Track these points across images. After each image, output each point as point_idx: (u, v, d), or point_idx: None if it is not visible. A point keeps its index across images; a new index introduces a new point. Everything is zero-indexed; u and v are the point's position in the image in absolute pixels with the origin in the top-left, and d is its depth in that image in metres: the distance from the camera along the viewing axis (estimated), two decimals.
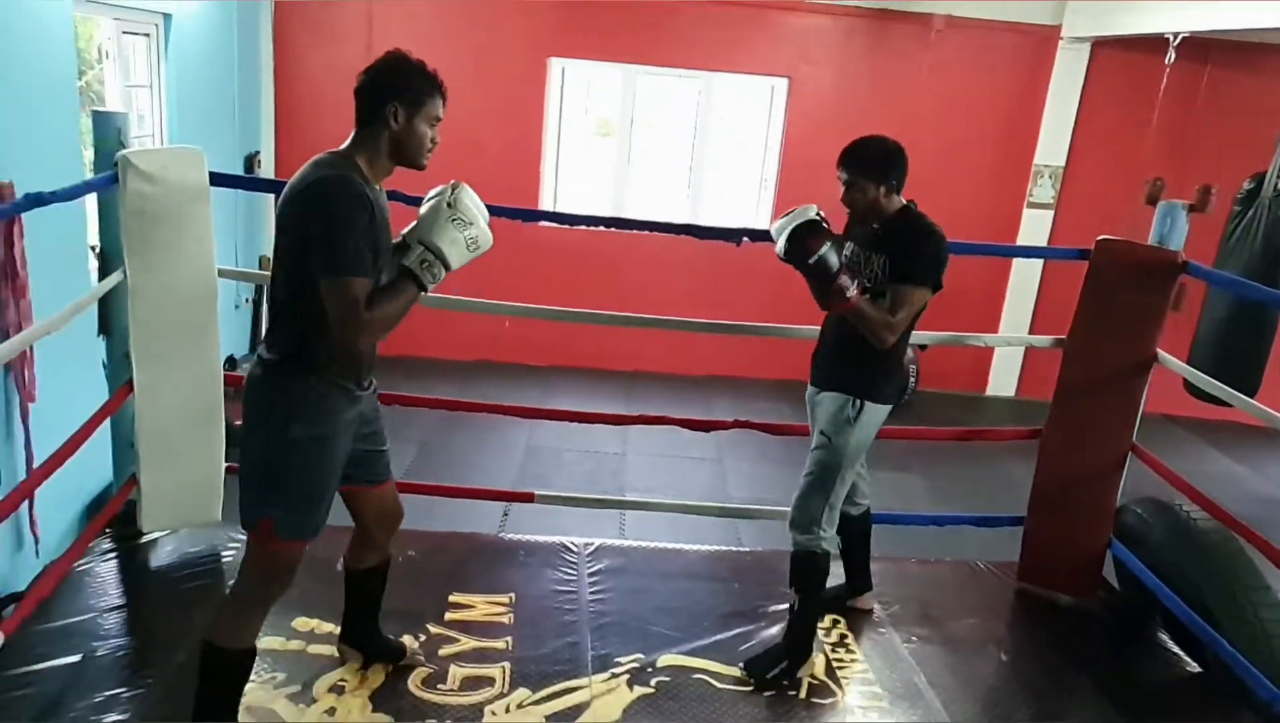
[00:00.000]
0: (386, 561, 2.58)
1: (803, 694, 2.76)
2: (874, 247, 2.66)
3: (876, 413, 2.73)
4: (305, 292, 2.00)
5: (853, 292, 2.54)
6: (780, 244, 2.58)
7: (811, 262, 2.51)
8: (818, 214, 2.58)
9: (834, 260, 2.53)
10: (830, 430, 2.72)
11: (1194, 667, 3.10)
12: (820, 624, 3.07)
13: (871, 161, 2.61)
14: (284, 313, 2.09)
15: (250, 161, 6.31)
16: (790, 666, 2.79)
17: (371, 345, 2.10)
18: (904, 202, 2.68)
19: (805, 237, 2.53)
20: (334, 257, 1.94)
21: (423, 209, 2.13)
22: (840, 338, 2.73)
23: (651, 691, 2.69)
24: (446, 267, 2.05)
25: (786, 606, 2.88)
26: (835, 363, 2.77)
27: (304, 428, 2.07)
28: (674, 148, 7.47)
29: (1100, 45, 6.86)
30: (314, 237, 1.96)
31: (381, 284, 2.05)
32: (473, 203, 2.09)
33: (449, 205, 2.05)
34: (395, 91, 2.03)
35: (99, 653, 2.60)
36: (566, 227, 6.52)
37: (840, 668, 2.89)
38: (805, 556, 2.76)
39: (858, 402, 2.69)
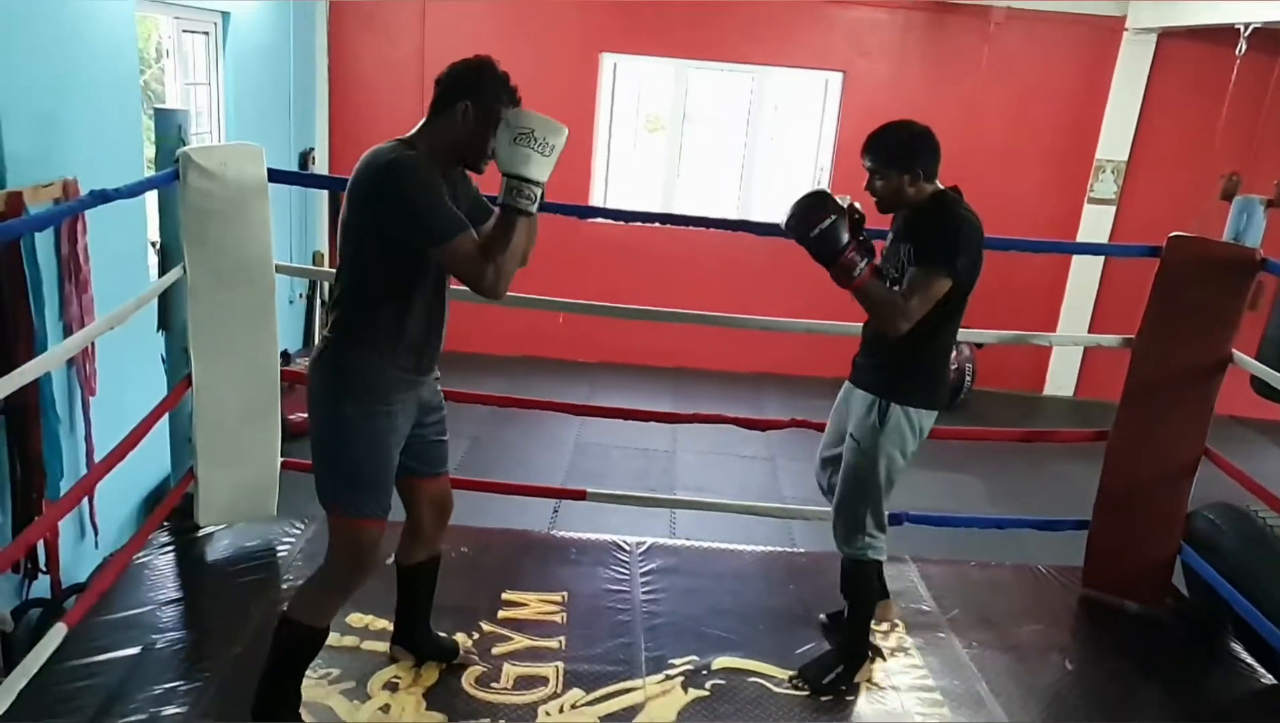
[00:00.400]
0: (437, 557, 2.57)
1: (860, 700, 2.70)
2: (903, 235, 2.55)
3: (909, 417, 2.57)
4: (368, 273, 2.09)
5: (862, 270, 2.39)
6: (784, 216, 2.46)
7: (814, 234, 2.38)
8: (841, 200, 2.45)
9: (842, 236, 2.39)
10: (859, 434, 2.61)
11: (1269, 679, 2.99)
12: (878, 628, 3.02)
13: (894, 149, 2.48)
14: (345, 295, 2.14)
15: (305, 158, 6.38)
16: (845, 672, 2.73)
17: (502, 285, 2.07)
18: (939, 188, 2.53)
19: (810, 209, 2.41)
20: (430, 227, 2.00)
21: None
22: (875, 333, 2.60)
23: (706, 693, 2.65)
24: (534, 182, 2.00)
25: (842, 610, 2.82)
26: (867, 359, 2.67)
27: (356, 405, 2.12)
28: (725, 143, 7.41)
29: (1166, 36, 6.66)
30: (402, 217, 2.01)
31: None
32: (529, 114, 2.03)
33: (506, 128, 2.01)
34: (471, 91, 2.07)
35: (158, 646, 2.63)
36: (617, 222, 6.49)
37: (899, 674, 2.83)
38: (853, 564, 2.68)
39: (885, 403, 2.55)
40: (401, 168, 2.01)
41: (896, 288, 2.44)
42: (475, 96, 2.06)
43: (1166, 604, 3.33)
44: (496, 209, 2.05)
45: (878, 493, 2.61)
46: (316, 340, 2.20)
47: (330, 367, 2.15)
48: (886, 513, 2.68)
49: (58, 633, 2.38)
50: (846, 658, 2.75)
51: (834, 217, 2.39)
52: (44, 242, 3.20)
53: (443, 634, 2.69)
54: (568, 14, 6.74)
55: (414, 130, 2.12)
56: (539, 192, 2.02)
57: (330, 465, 2.17)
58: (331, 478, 2.18)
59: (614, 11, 6.73)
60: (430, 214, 2.00)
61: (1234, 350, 3.13)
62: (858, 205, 2.50)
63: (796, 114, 7.31)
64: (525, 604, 3.00)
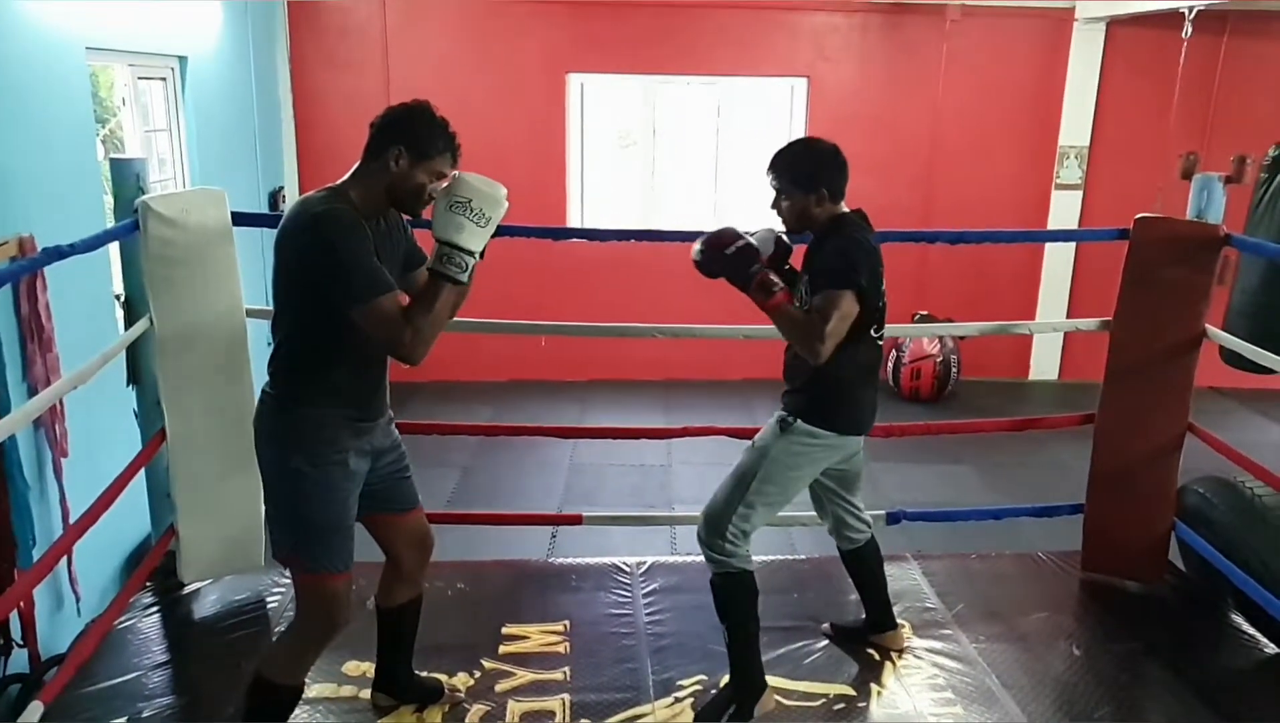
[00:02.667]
0: (419, 597, 2.51)
1: (872, 704, 2.66)
2: (805, 263, 2.48)
3: (812, 435, 2.47)
4: (305, 325, 2.06)
5: (779, 288, 2.30)
6: (696, 246, 2.37)
7: (729, 252, 2.30)
8: (766, 232, 2.44)
9: (754, 258, 2.31)
10: (758, 440, 2.54)
11: (1272, 648, 2.99)
12: (895, 651, 2.96)
13: (797, 168, 2.40)
14: (283, 348, 2.10)
15: (274, 198, 6.31)
16: (740, 707, 2.52)
17: (420, 352, 2.01)
18: (843, 211, 2.44)
19: (720, 236, 2.34)
20: (353, 285, 1.95)
21: None
22: (794, 358, 2.50)
23: None
24: (466, 252, 1.98)
25: (851, 615, 2.78)
26: (788, 386, 2.55)
27: (306, 460, 2.07)
28: (698, 155, 7.44)
29: (1115, 24, 6.77)
30: (325, 273, 1.96)
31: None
32: (469, 182, 2.00)
33: (444, 193, 2.01)
34: (404, 137, 2.02)
35: (145, 715, 2.53)
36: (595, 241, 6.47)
37: (909, 674, 2.79)
38: (719, 578, 2.49)
39: (791, 418, 2.48)
40: (328, 222, 1.95)
41: None
42: (409, 142, 2.02)
43: (1165, 581, 3.33)
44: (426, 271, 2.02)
45: (755, 508, 2.48)
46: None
47: (274, 421, 2.11)
48: (754, 528, 2.52)
49: (34, 712, 2.29)
50: (738, 692, 2.54)
51: (745, 240, 2.34)
52: (2, 301, 3.13)
53: (425, 674, 2.61)
54: (531, 38, 6.75)
55: (347, 175, 2.07)
56: (471, 262, 2.00)
57: (286, 522, 2.12)
58: (289, 534, 2.12)
59: (578, 32, 6.75)
60: (352, 273, 1.94)
61: (1207, 325, 3.16)
62: (785, 236, 2.47)
63: (765, 121, 7.35)
64: (527, 637, 2.93)
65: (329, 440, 2.09)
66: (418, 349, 1.99)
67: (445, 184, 2.04)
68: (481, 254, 2.04)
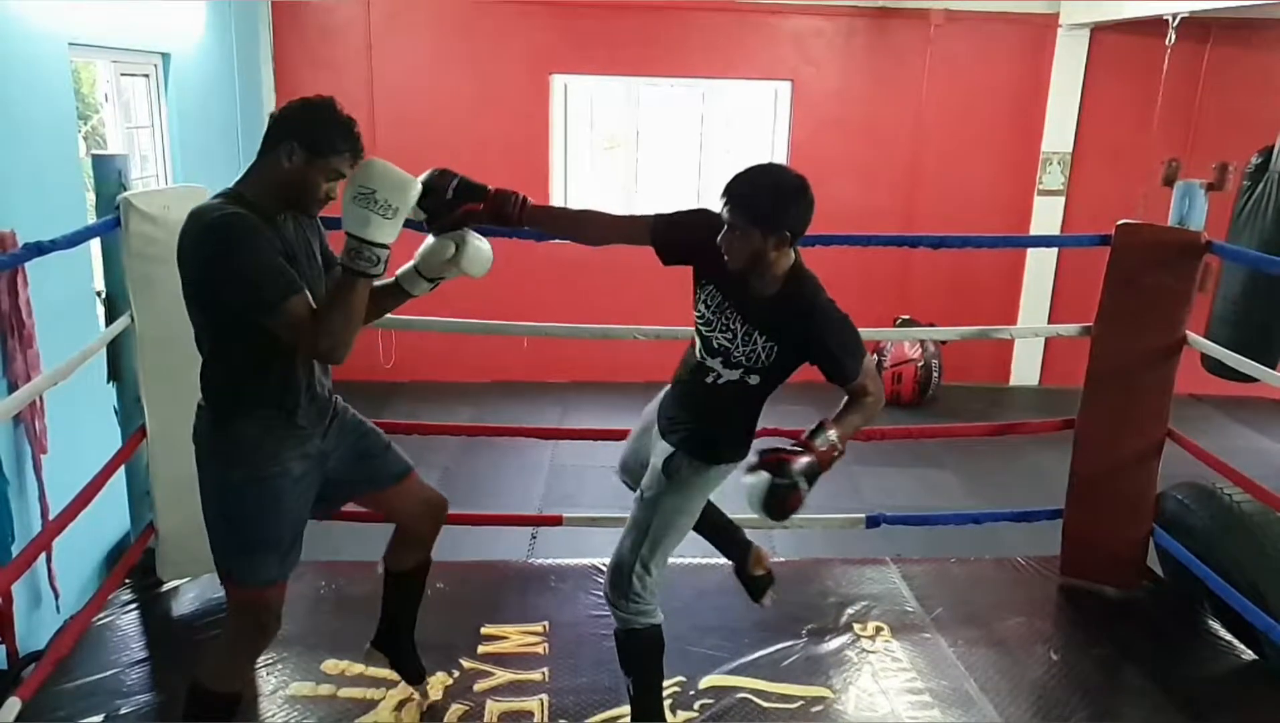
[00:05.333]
0: (427, 562, 2.47)
1: (850, 706, 2.67)
2: (758, 322, 2.13)
3: (701, 475, 2.30)
4: (224, 337, 1.98)
5: (819, 456, 2.04)
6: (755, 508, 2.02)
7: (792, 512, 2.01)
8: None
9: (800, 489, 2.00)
10: (648, 492, 2.31)
11: (1249, 655, 3.01)
12: (863, 632, 3.00)
13: (758, 202, 2.01)
14: (208, 363, 2.03)
15: None
16: None
17: (339, 353, 1.94)
18: (798, 260, 2.13)
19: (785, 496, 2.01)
20: (257, 292, 1.86)
21: None
22: (689, 390, 2.31)
23: (695, 714, 2.61)
24: (375, 244, 1.88)
25: (829, 618, 2.77)
26: (677, 413, 2.34)
27: (244, 472, 2.02)
28: (681, 158, 7.45)
29: (1099, 30, 6.82)
30: (226, 284, 1.88)
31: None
32: (374, 172, 1.90)
33: (350, 184, 1.90)
34: (299, 132, 1.92)
35: (123, 711, 2.53)
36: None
37: (886, 677, 2.81)
38: (624, 634, 2.32)
39: (680, 459, 2.28)
40: (221, 230, 1.86)
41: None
42: (301, 137, 1.91)
43: (1144, 587, 3.35)
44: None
45: (650, 552, 2.30)
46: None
47: (209, 436, 2.04)
48: (658, 579, 2.34)
49: (11, 708, 2.28)
50: None
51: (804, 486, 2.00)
52: None
53: (419, 658, 2.57)
54: (515, 38, 6.73)
55: (242, 173, 1.98)
56: (383, 255, 1.90)
57: (220, 533, 2.06)
58: (223, 546, 2.07)
59: (561, 33, 6.74)
60: (253, 281, 1.85)
61: (1188, 332, 3.18)
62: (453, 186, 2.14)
63: (749, 124, 7.37)
64: (506, 637, 2.93)
65: (270, 453, 2.02)
66: (337, 349, 1.92)
67: (334, 185, 1.95)
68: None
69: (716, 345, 2.18)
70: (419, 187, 1.97)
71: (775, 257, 2.04)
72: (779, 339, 2.12)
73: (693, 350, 2.29)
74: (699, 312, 2.21)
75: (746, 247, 2.02)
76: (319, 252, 2.10)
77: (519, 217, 2.19)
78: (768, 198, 2.02)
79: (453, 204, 2.12)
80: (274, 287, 1.86)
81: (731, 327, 2.16)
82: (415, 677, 2.57)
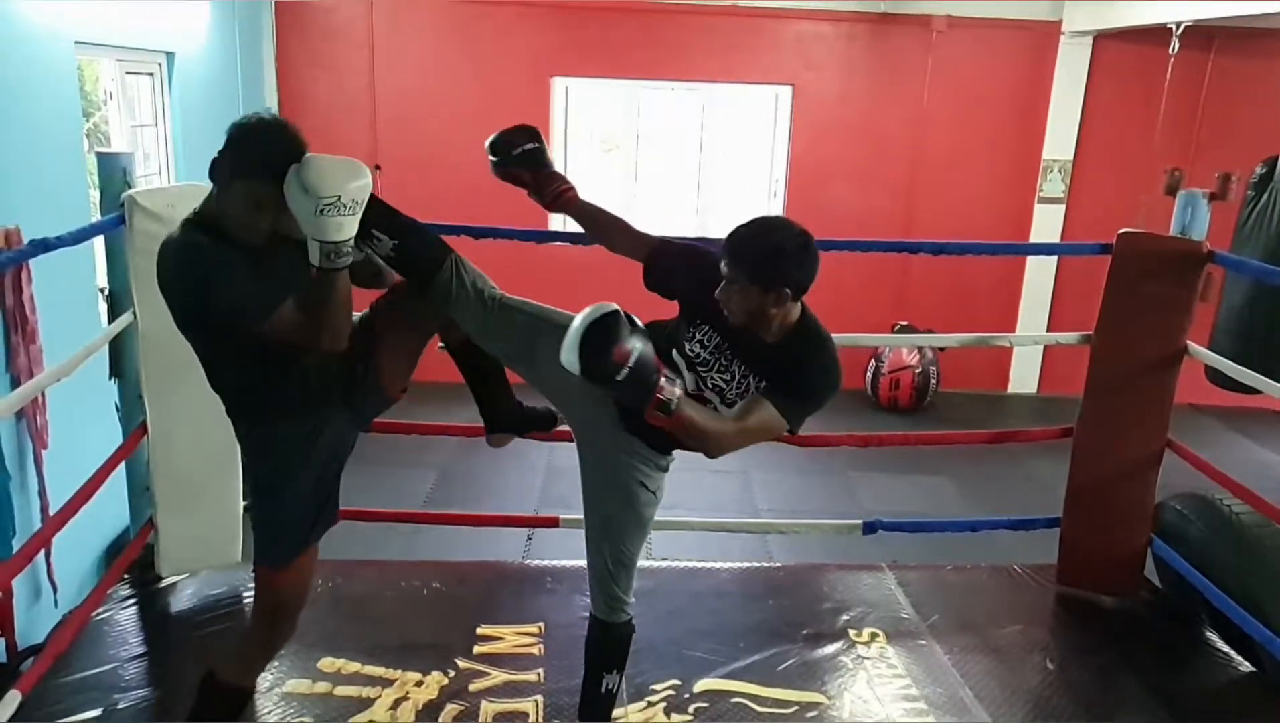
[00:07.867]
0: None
1: (845, 713, 2.67)
2: (757, 366, 2.07)
3: (664, 470, 2.32)
4: (217, 352, 2.01)
5: (676, 400, 1.86)
6: (573, 360, 1.81)
7: (621, 378, 1.80)
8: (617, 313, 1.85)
9: (648, 366, 1.83)
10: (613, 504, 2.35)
11: (1246, 666, 3.01)
12: (859, 638, 3.00)
13: (762, 262, 1.94)
14: (210, 375, 2.07)
15: None
16: None
17: (341, 342, 1.95)
18: (804, 310, 2.06)
19: (606, 343, 1.79)
20: (243, 312, 1.86)
21: None
22: None
23: (689, 718, 2.62)
24: (328, 240, 1.82)
25: (825, 623, 2.78)
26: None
27: (266, 474, 2.12)
28: (681, 161, 7.46)
29: (1102, 38, 6.81)
30: (211, 309, 1.89)
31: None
32: (330, 180, 1.82)
33: (306, 198, 1.82)
34: (229, 151, 1.89)
35: (120, 706, 2.54)
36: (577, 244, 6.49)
37: (881, 683, 2.81)
38: (603, 629, 2.36)
39: (647, 470, 2.28)
40: (188, 260, 1.86)
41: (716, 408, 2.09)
42: (231, 159, 1.89)
43: (1141, 597, 3.35)
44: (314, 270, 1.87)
45: (628, 558, 2.36)
46: None
47: (238, 438, 2.14)
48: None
49: (11, 701, 2.29)
50: None
51: (635, 341, 1.82)
52: None
53: (532, 406, 2.51)
54: (517, 40, 6.74)
55: (208, 194, 1.96)
56: (339, 252, 1.84)
57: (254, 522, 2.19)
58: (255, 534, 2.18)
59: (563, 36, 6.75)
60: (234, 303, 1.85)
61: (1189, 342, 3.18)
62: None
63: (749, 128, 7.38)
64: (501, 638, 2.94)
65: (284, 454, 2.08)
66: (338, 339, 1.93)
67: (266, 211, 1.88)
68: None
69: (712, 384, 2.12)
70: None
71: (776, 312, 1.98)
72: (774, 380, 2.05)
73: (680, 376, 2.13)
74: (693, 350, 2.11)
75: (746, 304, 1.97)
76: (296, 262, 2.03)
77: (552, 201, 2.27)
78: (768, 257, 1.95)
79: (508, 162, 2.24)
80: (258, 303, 1.86)
81: (731, 369, 2.09)
82: (548, 422, 2.57)
